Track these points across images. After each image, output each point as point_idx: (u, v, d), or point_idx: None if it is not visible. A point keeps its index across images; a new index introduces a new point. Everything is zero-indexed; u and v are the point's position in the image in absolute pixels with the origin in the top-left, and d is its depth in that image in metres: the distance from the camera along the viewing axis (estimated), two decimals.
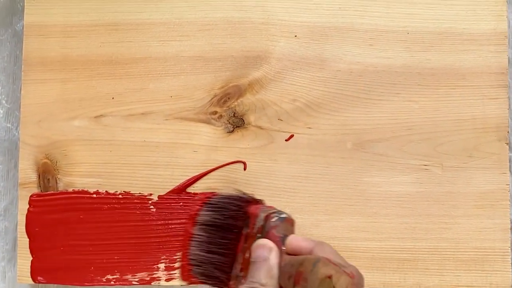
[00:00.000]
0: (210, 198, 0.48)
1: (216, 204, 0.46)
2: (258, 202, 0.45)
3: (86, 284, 0.49)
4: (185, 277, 0.48)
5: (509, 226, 0.49)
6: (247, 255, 0.40)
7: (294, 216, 0.49)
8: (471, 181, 0.49)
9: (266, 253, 0.37)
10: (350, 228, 0.49)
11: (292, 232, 0.41)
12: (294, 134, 0.50)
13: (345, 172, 0.49)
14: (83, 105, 0.51)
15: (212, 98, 0.50)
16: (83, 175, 0.50)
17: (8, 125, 0.54)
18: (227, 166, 0.50)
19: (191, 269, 0.46)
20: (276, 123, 0.50)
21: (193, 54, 0.51)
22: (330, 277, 0.32)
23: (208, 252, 0.45)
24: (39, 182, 0.50)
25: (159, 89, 0.51)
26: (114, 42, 0.51)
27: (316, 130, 0.50)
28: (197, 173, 0.50)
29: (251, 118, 0.50)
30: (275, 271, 0.36)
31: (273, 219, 0.40)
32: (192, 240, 0.47)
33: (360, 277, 0.35)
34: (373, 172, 0.49)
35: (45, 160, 0.50)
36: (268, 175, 0.50)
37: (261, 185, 0.49)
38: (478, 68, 0.50)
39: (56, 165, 0.50)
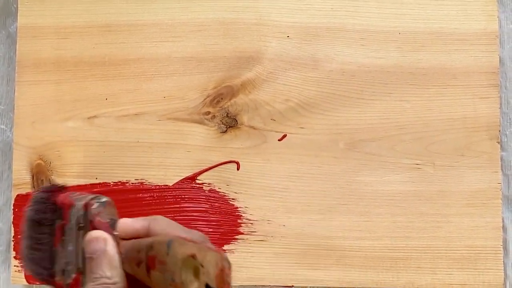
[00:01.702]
0: (32, 193, 0.45)
1: (33, 199, 0.42)
2: (62, 189, 0.42)
3: None
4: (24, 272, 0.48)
5: (501, 225, 0.49)
6: (70, 247, 0.38)
7: (287, 216, 0.49)
8: (463, 180, 0.49)
9: (101, 245, 0.34)
10: (343, 227, 0.49)
11: (116, 214, 0.38)
12: (287, 134, 0.50)
13: (337, 172, 0.50)
14: (76, 106, 0.51)
15: (205, 99, 0.51)
16: (77, 175, 0.50)
17: (2, 126, 0.54)
18: (220, 166, 0.50)
19: (23, 266, 0.43)
20: (269, 123, 0.50)
21: (186, 55, 0.51)
22: (193, 256, 0.30)
23: (30, 248, 0.41)
24: (33, 183, 0.50)
25: (152, 89, 0.51)
26: (107, 43, 0.51)
27: (309, 130, 0.50)
28: (190, 173, 0.50)
29: (244, 118, 0.50)
30: (117, 261, 0.34)
31: (94, 206, 0.37)
32: (21, 237, 0.43)
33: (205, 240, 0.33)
34: (365, 171, 0.50)
35: (39, 161, 0.51)
36: (261, 175, 0.50)
37: (254, 185, 0.50)
38: (469, 67, 0.50)
39: (50, 166, 0.50)
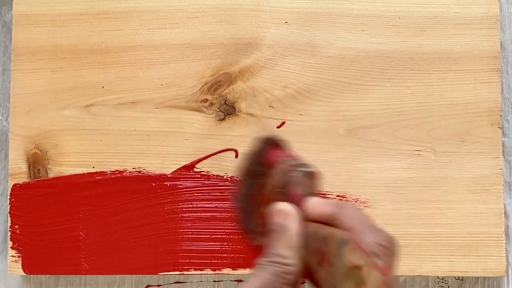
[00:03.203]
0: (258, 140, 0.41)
1: (250, 149, 0.40)
2: (280, 145, 0.39)
3: (76, 273, 0.49)
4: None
5: (503, 211, 0.48)
6: (262, 209, 0.35)
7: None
8: (464, 166, 0.49)
9: (285, 220, 0.32)
10: None
11: (316, 188, 0.35)
12: (286, 121, 0.50)
13: (337, 159, 0.49)
14: (73, 95, 0.50)
15: (202, 86, 0.50)
16: (74, 164, 0.50)
17: None
18: (219, 154, 0.50)
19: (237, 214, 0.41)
20: (268, 110, 0.50)
21: (183, 41, 0.50)
22: (359, 267, 0.27)
23: (244, 196, 0.39)
24: (29, 173, 0.50)
25: (149, 77, 0.50)
26: (103, 30, 0.51)
27: (308, 116, 0.49)
28: (188, 162, 0.49)
29: (242, 105, 0.50)
30: (295, 241, 0.31)
31: (297, 174, 0.34)
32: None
33: (392, 262, 0.30)
34: (365, 158, 0.49)
35: (35, 150, 0.50)
36: None
37: None
38: (470, 52, 0.49)
39: (46, 155, 0.50)
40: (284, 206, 0.32)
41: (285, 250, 0.30)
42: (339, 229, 0.30)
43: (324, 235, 0.30)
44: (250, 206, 0.37)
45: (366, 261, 0.27)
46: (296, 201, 0.33)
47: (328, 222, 0.31)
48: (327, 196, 0.49)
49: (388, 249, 0.29)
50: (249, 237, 0.37)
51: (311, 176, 0.34)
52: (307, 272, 0.31)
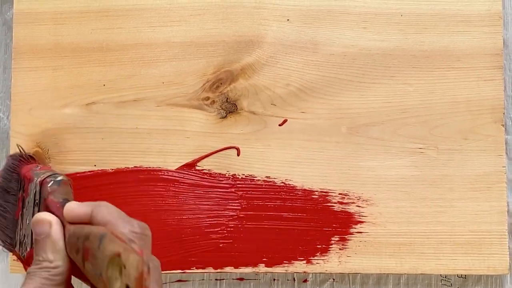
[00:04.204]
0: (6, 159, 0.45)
1: (4, 166, 0.44)
2: (30, 160, 0.42)
3: None
4: None
5: (506, 209, 0.48)
6: (27, 221, 0.38)
7: None
8: (467, 164, 0.48)
9: (46, 228, 0.35)
10: None
11: (71, 193, 0.38)
12: (288, 119, 0.49)
13: (339, 157, 0.49)
14: (74, 93, 0.50)
15: (204, 84, 0.50)
16: (75, 163, 0.50)
17: None
18: (220, 152, 0.49)
19: None
20: (269, 108, 0.49)
21: (185, 39, 0.50)
22: (119, 254, 0.30)
23: (3, 212, 0.42)
24: None
25: (151, 75, 0.50)
26: (104, 28, 0.50)
27: (310, 114, 0.49)
28: (190, 160, 0.49)
29: (244, 103, 0.50)
30: (60, 245, 0.34)
31: (49, 184, 0.37)
32: None
33: (147, 245, 0.34)
34: (368, 156, 0.49)
35: (37, 149, 0.50)
36: (262, 161, 0.49)
37: (254, 171, 0.49)
38: (473, 49, 0.49)
39: (47, 153, 0.50)
40: (43, 215, 0.35)
41: (51, 255, 0.33)
42: (97, 226, 0.33)
43: (85, 233, 0.33)
44: (13, 221, 0.40)
45: (124, 247, 0.30)
46: (55, 208, 0.36)
47: (86, 222, 0.34)
48: (329, 193, 0.48)
49: (142, 234, 0.33)
50: (18, 250, 0.40)
51: (64, 183, 0.37)
52: (76, 270, 0.34)
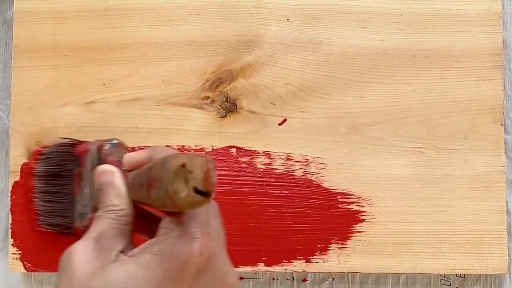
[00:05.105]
0: (42, 150, 0.48)
1: (46, 154, 0.47)
2: (84, 142, 0.44)
3: None
4: (35, 226, 0.48)
5: (505, 208, 0.48)
6: (86, 190, 0.39)
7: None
8: (466, 163, 0.48)
9: (109, 176, 0.35)
10: None
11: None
12: (287, 119, 0.49)
13: (339, 156, 0.49)
14: (74, 92, 0.50)
15: (204, 83, 0.50)
16: None
17: None
18: (220, 151, 0.49)
19: (37, 219, 0.47)
20: (269, 108, 0.50)
21: (184, 39, 0.50)
22: (183, 165, 0.30)
23: (47, 202, 0.46)
24: None
25: (150, 74, 0.50)
26: (104, 27, 0.50)
27: (309, 114, 0.49)
28: None
29: (243, 102, 0.50)
30: (123, 190, 0.35)
31: (106, 147, 0.38)
32: (34, 192, 0.47)
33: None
34: (367, 155, 0.49)
35: (37, 147, 0.50)
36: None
37: None
38: (473, 49, 0.49)
39: None
40: (104, 166, 0.36)
41: (116, 200, 0.34)
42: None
43: (147, 167, 0.33)
44: (70, 201, 0.41)
45: (188, 156, 0.30)
46: (114, 165, 0.37)
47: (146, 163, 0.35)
48: (328, 193, 0.49)
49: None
50: (78, 223, 0.41)
51: (120, 145, 0.38)
52: (140, 212, 0.35)
